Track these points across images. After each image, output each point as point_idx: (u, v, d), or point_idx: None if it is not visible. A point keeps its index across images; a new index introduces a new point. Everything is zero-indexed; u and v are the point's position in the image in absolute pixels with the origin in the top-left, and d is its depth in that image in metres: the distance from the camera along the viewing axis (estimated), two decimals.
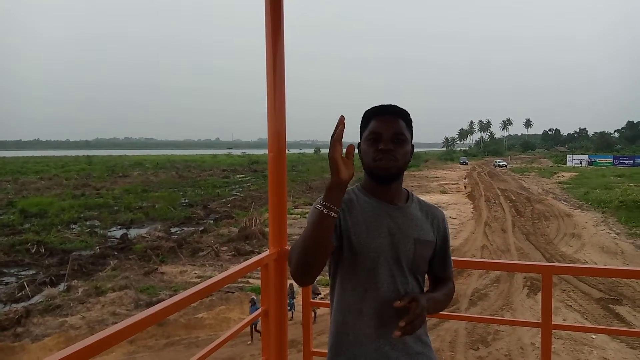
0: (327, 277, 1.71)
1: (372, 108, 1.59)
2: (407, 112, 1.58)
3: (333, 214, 1.38)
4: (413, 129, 1.61)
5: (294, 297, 11.15)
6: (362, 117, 1.61)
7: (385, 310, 1.49)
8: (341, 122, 1.35)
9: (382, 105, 1.58)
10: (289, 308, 10.24)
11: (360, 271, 1.53)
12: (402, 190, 1.64)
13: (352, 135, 1.68)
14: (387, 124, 1.53)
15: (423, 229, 1.59)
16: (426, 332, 1.63)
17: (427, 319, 1.49)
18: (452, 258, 1.73)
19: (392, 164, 1.52)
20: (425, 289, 1.66)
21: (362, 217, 1.55)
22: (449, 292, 1.67)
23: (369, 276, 1.53)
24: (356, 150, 1.54)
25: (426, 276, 1.69)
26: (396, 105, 1.58)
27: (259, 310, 2.46)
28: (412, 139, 1.59)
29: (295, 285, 10.62)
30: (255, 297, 11.31)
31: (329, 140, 1.37)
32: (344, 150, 1.40)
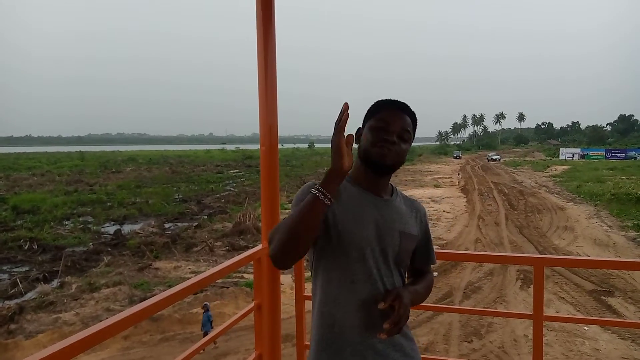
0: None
1: (386, 99, 1.61)
2: (415, 114, 1.61)
3: (327, 202, 1.36)
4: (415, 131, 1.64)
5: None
6: (373, 105, 1.61)
7: (371, 302, 1.48)
8: (345, 110, 1.33)
9: (396, 100, 1.59)
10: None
11: (346, 262, 1.51)
12: (388, 185, 1.66)
13: (349, 129, 1.69)
14: (398, 117, 1.55)
15: (408, 222, 1.61)
16: (407, 325, 1.63)
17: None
18: (446, 251, 1.77)
19: (387, 153, 1.52)
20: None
21: (349, 206, 1.55)
22: (429, 284, 1.71)
23: (356, 267, 1.51)
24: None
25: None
26: (408, 105, 1.60)
27: (252, 305, 2.45)
28: (412, 142, 1.63)
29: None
30: (208, 303, 11.16)
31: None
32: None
